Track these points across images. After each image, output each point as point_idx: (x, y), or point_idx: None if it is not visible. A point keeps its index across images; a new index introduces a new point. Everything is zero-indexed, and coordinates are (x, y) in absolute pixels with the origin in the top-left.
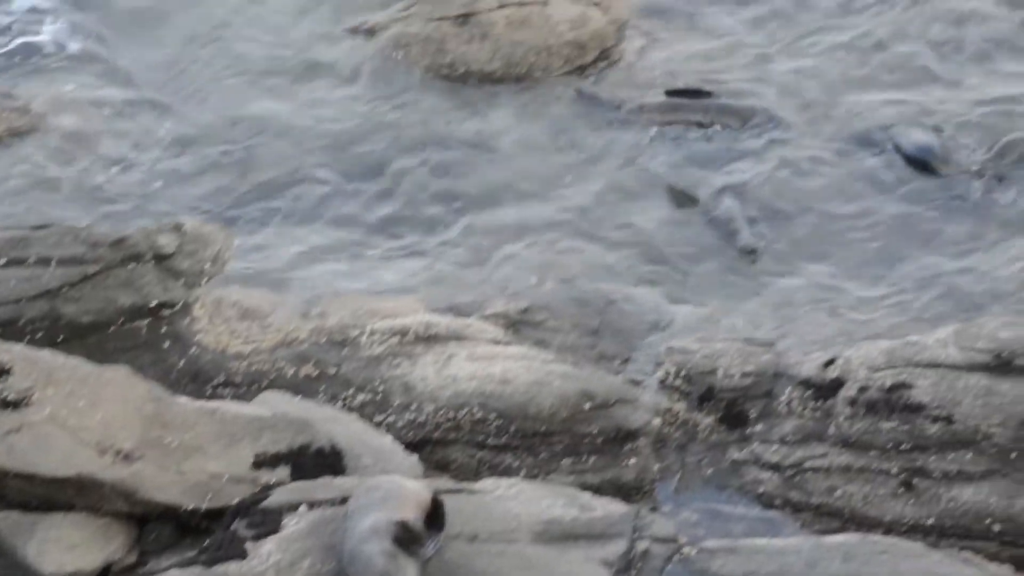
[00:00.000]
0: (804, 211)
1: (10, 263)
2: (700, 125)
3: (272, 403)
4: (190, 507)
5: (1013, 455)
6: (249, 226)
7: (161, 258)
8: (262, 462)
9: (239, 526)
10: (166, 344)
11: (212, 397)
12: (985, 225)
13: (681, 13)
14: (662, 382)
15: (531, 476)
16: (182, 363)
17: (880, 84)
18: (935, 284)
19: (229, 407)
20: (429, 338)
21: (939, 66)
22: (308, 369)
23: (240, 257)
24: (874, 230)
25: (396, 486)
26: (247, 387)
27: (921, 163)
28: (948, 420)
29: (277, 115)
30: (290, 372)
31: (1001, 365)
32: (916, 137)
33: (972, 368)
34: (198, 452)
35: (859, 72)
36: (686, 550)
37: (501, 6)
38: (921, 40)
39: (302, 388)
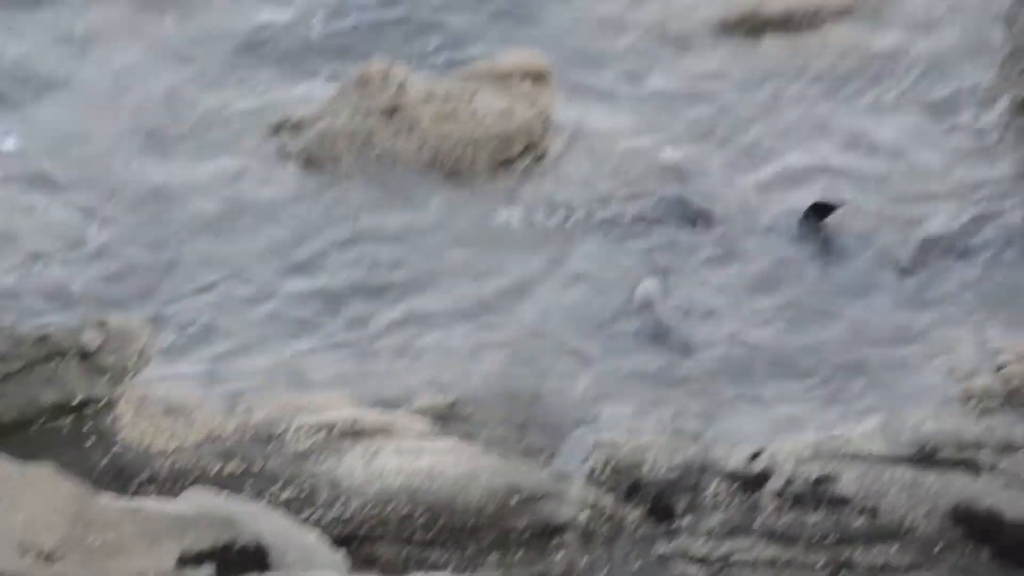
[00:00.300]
0: (731, 304)
1: None
2: (644, 220)
3: (197, 500)
4: None
5: (937, 548)
6: (173, 320)
7: (85, 355)
8: (187, 560)
9: None
10: (90, 441)
11: (136, 495)
12: (910, 318)
13: (607, 95)
14: (589, 476)
15: (458, 571)
16: (106, 460)
17: (816, 161)
18: (861, 376)
19: (153, 505)
20: (356, 433)
21: (870, 138)
22: (233, 465)
23: (165, 352)
24: (800, 322)
25: None
26: (172, 484)
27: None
28: (873, 513)
29: (201, 209)
30: (215, 468)
31: (925, 457)
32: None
33: (897, 460)
34: (121, 551)
35: (787, 146)
36: None
37: (427, 99)
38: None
39: (228, 484)
